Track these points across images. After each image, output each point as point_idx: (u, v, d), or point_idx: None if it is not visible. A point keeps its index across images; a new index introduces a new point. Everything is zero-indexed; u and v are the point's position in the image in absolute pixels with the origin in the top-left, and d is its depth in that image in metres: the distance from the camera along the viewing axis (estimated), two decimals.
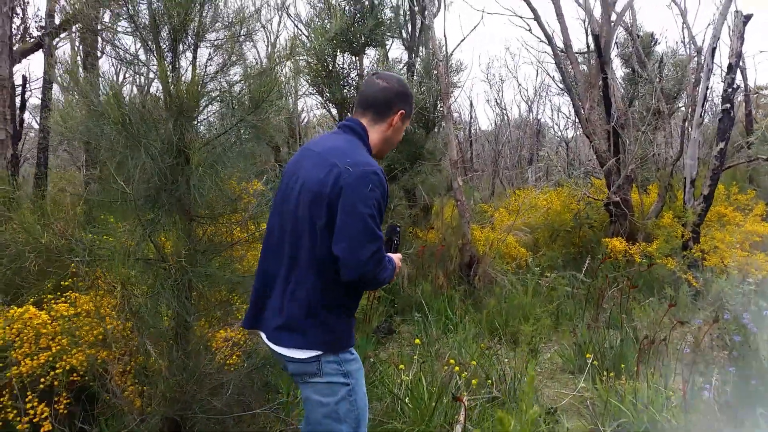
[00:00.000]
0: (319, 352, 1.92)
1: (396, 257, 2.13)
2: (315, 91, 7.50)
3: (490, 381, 3.92)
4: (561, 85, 10.00)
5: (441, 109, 7.20)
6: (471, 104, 24.93)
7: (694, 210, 7.14)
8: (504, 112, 16.40)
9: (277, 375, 3.27)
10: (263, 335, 2.07)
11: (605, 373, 3.94)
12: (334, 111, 8.05)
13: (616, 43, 11.60)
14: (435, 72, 7.19)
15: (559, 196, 8.67)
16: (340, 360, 1.97)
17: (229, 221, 2.79)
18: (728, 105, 7.34)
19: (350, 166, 1.88)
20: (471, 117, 13.82)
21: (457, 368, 3.48)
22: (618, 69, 12.61)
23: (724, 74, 7.42)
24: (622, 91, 13.43)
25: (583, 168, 10.51)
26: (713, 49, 7.49)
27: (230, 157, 2.60)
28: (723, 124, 7.36)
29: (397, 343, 5.44)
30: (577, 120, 9.38)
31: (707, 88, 7.50)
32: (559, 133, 16.48)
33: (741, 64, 11.60)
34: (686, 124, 8.41)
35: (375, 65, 7.54)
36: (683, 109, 11.11)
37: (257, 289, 2.09)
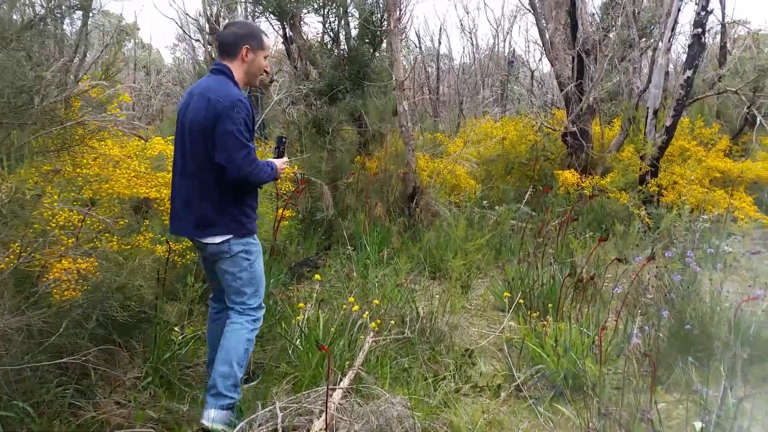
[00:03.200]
0: (230, 236, 2.60)
1: (279, 161, 2.78)
2: None
3: (399, 321, 3.50)
4: (526, 5, 9.23)
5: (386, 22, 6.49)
6: (441, 29, 23.63)
7: (654, 142, 6.68)
8: (472, 37, 15.46)
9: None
10: (186, 236, 2.78)
11: (529, 313, 3.53)
12: (276, 24, 7.31)
13: None
14: None
15: (515, 126, 8.12)
16: (244, 242, 2.65)
17: None
18: (699, 30, 6.75)
19: (220, 98, 2.51)
20: (439, 43, 12.94)
21: (356, 308, 3.02)
22: None
23: None
24: (594, 13, 12.72)
25: (543, 98, 9.91)
26: None
27: None
28: (692, 51, 6.80)
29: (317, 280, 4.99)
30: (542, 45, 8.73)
31: (678, 10, 6.88)
32: (534, 66, 15.78)
33: None
34: (655, 52, 7.83)
35: None
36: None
37: (174, 205, 2.73)
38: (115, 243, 2.96)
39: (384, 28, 6.67)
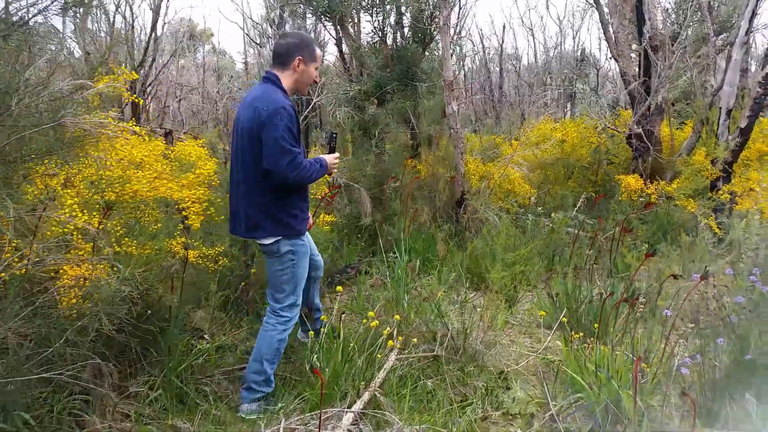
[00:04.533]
0: (279, 237, 2.76)
1: (329, 157, 2.91)
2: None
3: (430, 337, 3.28)
4: None
5: (438, 20, 6.26)
6: (504, 27, 22.93)
7: (727, 145, 6.13)
8: (535, 34, 14.84)
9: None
10: (241, 236, 2.96)
11: (572, 333, 3.23)
12: (329, 25, 7.22)
13: None
14: None
15: (577, 128, 7.67)
16: (291, 243, 2.80)
17: None
18: None
19: (265, 107, 2.66)
20: (501, 41, 12.53)
21: (374, 323, 2.82)
22: None
23: None
24: (669, 7, 11.95)
25: (609, 96, 9.35)
26: None
27: None
28: None
29: (356, 288, 4.81)
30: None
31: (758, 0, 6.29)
32: (603, 64, 15.04)
33: None
34: (731, 47, 7.22)
35: None
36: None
37: (231, 208, 2.94)
38: (134, 248, 2.89)
39: (434, 26, 6.45)
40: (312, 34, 9.57)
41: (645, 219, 5.93)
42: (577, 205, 5.91)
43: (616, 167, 7.61)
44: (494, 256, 4.68)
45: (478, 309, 4.55)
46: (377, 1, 6.42)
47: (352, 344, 2.82)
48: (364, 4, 6.30)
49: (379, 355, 2.76)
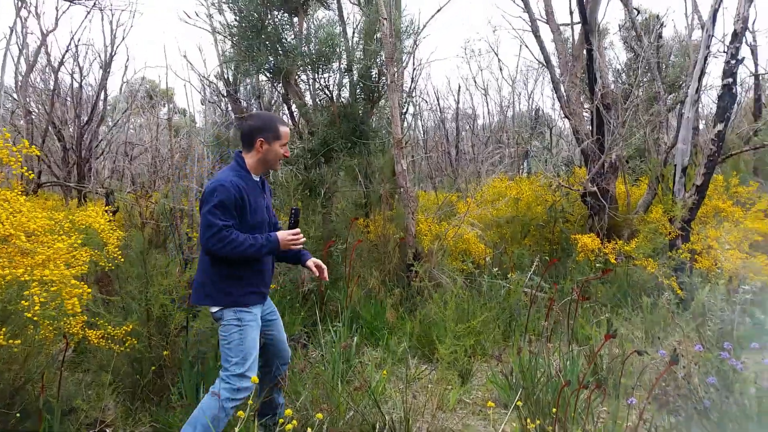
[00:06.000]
0: (221, 307, 2.81)
1: (283, 233, 2.87)
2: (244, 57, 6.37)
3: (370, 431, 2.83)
4: (540, 58, 8.74)
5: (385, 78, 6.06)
6: (459, 88, 23.25)
7: (684, 203, 5.98)
8: (486, 93, 15.01)
9: None
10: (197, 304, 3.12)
11: (527, 420, 2.83)
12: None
13: (618, 26, 10.34)
14: (379, 34, 6.06)
15: (531, 185, 7.49)
16: (235, 311, 2.80)
17: None
18: (730, 80, 6.15)
19: (208, 184, 2.83)
20: (457, 101, 12.54)
21: (289, 426, 2.34)
22: (621, 53, 11.36)
23: (727, 45, 6.22)
24: (619, 68, 12.18)
25: (562, 154, 9.28)
26: (715, 12, 6.30)
27: None
28: (723, 102, 6.18)
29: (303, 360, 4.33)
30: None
31: (705, 59, 6.30)
32: (557, 123, 15.22)
33: (753, 41, 10.34)
34: (682, 105, 7.22)
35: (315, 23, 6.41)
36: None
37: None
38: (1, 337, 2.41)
39: (382, 84, 6.25)
40: (267, 92, 9.33)
41: (604, 279, 5.66)
42: (533, 266, 5.61)
43: (572, 225, 7.41)
44: (445, 328, 4.29)
45: (429, 386, 4.13)
46: (323, 60, 6.21)
47: None
48: (308, 61, 6.06)
49: None
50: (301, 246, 2.94)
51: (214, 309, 2.82)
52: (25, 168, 2.85)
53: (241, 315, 2.80)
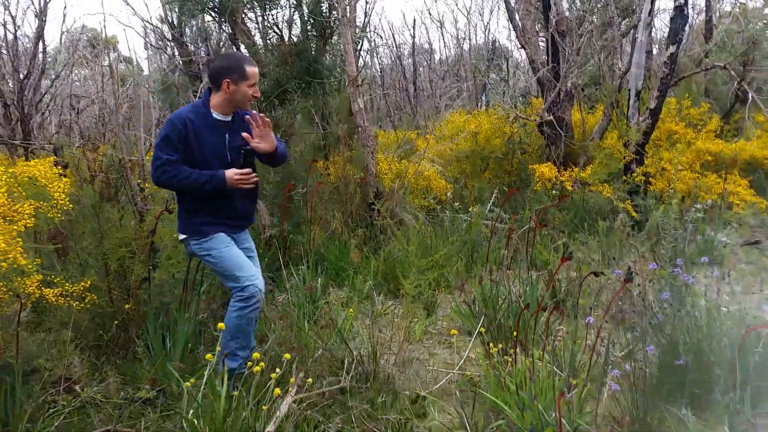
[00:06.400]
0: (184, 236, 2.99)
1: (230, 172, 2.86)
2: None
3: (338, 366, 2.88)
4: None
5: (336, 13, 5.85)
6: (414, 22, 22.74)
7: (638, 127, 6.07)
8: (442, 25, 14.72)
9: None
10: None
11: (490, 345, 2.92)
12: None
13: None
14: None
15: (489, 119, 7.48)
16: (200, 241, 2.93)
17: None
18: (682, 1, 6.16)
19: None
20: (413, 36, 12.28)
21: (257, 368, 2.36)
22: None
23: None
24: None
25: (519, 85, 9.26)
26: None
27: None
28: (675, 24, 6.21)
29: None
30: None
31: None
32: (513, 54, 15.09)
33: None
34: (635, 29, 7.23)
35: None
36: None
37: None
38: None
39: (333, 20, 6.04)
40: (214, 34, 8.95)
41: (561, 207, 5.77)
42: (493, 198, 5.68)
43: (530, 156, 7.48)
44: (409, 264, 4.34)
45: (395, 320, 4.21)
46: None
47: (235, 392, 2.37)
48: None
49: (264, 407, 2.32)
50: (252, 185, 2.95)
51: (181, 237, 2.98)
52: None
53: (207, 244, 2.91)
